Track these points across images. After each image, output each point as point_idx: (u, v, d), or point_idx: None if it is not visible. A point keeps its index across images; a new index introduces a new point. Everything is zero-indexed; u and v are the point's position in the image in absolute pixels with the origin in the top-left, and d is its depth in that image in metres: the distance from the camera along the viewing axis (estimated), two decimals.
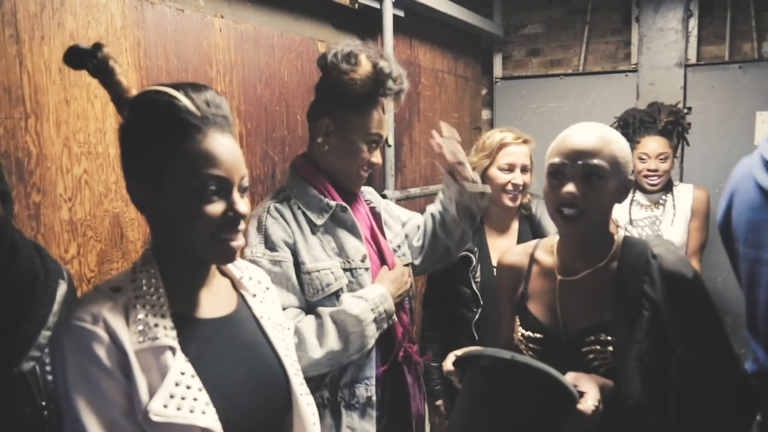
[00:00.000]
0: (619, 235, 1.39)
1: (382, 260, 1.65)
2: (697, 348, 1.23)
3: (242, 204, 0.97)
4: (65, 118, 1.38)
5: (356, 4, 2.36)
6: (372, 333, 1.50)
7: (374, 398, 1.55)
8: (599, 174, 1.26)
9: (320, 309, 1.50)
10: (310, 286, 1.51)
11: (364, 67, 1.50)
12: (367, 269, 1.57)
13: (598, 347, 1.30)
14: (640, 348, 1.24)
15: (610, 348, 1.29)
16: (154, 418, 0.89)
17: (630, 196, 2.05)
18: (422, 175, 3.04)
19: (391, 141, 2.55)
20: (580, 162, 1.27)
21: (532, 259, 1.48)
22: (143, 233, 1.55)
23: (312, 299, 1.51)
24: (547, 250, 1.47)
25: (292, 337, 1.21)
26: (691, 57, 3.45)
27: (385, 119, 1.60)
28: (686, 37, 3.43)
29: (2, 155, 1.26)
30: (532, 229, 2.17)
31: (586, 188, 1.27)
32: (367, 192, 1.77)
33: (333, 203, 1.56)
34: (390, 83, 1.53)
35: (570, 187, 1.27)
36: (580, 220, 1.28)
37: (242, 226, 0.99)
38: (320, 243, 1.54)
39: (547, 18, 3.79)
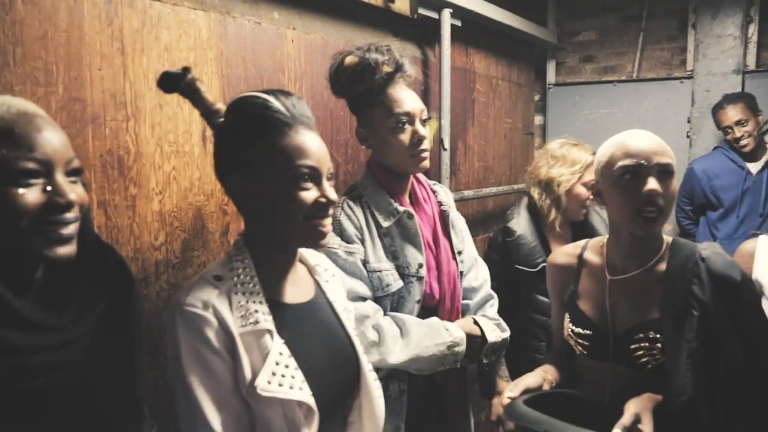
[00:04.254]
0: (668, 237, 1.44)
1: (438, 268, 1.70)
2: (744, 348, 1.27)
3: (332, 191, 1.11)
4: (158, 120, 1.55)
5: (416, 15, 2.48)
6: (437, 367, 1.58)
7: (405, 397, 1.63)
8: (670, 171, 1.32)
9: (408, 320, 1.57)
10: (372, 283, 1.59)
11: (350, 66, 1.56)
12: (420, 279, 1.63)
13: (647, 344, 1.35)
14: (691, 346, 1.28)
15: (659, 345, 1.33)
16: (262, 393, 1.00)
17: None
18: (475, 178, 3.14)
19: (447, 144, 2.62)
20: (654, 161, 1.31)
21: (581, 260, 1.53)
22: (221, 225, 1.72)
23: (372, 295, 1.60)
24: (595, 250, 1.52)
25: (353, 319, 1.33)
26: (750, 63, 3.42)
27: (409, 95, 1.62)
28: (745, 43, 3.40)
29: (107, 152, 1.44)
30: (583, 234, 2.22)
31: (663, 186, 1.31)
32: (442, 192, 1.83)
33: (401, 209, 1.62)
34: (383, 68, 1.57)
35: (654, 184, 1.30)
36: (659, 218, 1.32)
37: (332, 211, 1.12)
38: (382, 245, 1.61)
39: (601, 24, 3.81)
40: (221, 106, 1.16)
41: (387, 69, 1.58)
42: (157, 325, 1.57)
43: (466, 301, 1.80)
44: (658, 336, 1.34)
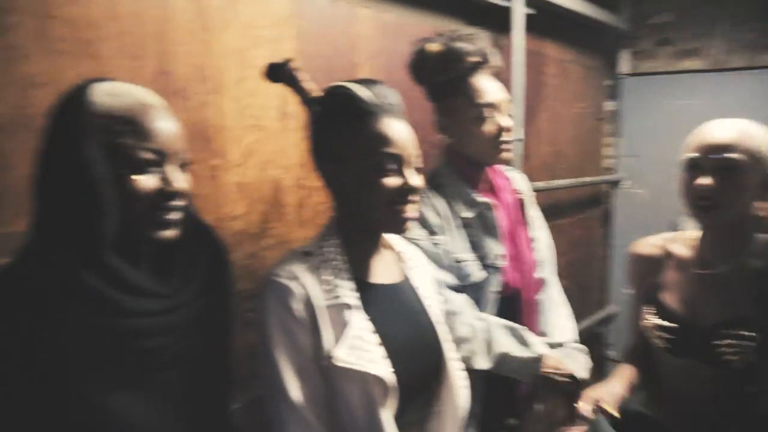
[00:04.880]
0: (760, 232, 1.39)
1: (518, 257, 1.69)
2: None
3: (416, 178, 1.14)
4: (240, 94, 1.61)
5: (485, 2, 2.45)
6: (516, 377, 1.56)
7: (481, 383, 1.60)
8: (734, 167, 1.28)
9: (497, 327, 1.54)
10: (455, 272, 1.59)
11: (434, 54, 1.55)
12: (498, 269, 1.62)
13: (734, 341, 1.31)
14: None
15: (748, 343, 1.29)
16: (338, 363, 1.04)
17: None
18: (546, 163, 3.09)
19: (521, 134, 2.59)
20: (714, 155, 1.29)
21: (667, 252, 1.51)
22: (297, 198, 1.76)
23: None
24: (685, 243, 1.49)
25: (441, 304, 1.35)
26: None
27: (492, 85, 1.60)
28: None
29: (192, 124, 1.50)
30: None
31: (721, 182, 1.28)
32: (518, 179, 1.82)
33: (481, 200, 1.62)
34: (469, 58, 1.55)
35: (703, 180, 1.29)
36: (712, 211, 1.30)
37: (416, 198, 1.15)
38: (461, 235, 1.61)
39: (678, 8, 3.57)
40: (319, 95, 1.21)
41: (473, 59, 1.57)
42: (237, 293, 1.63)
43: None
44: (750, 334, 1.30)
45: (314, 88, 1.22)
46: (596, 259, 3.80)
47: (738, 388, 1.29)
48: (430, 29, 2.21)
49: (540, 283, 1.79)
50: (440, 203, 1.61)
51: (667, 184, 3.46)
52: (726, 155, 1.28)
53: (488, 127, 1.59)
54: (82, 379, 0.89)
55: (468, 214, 1.61)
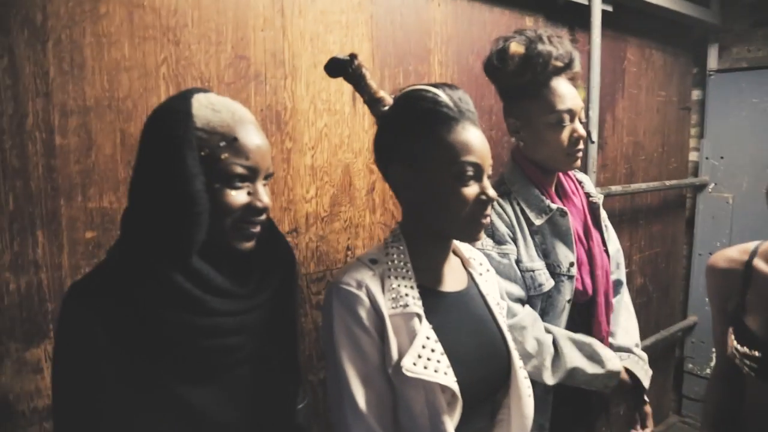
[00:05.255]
0: None
1: (591, 262, 1.63)
2: None
3: (492, 189, 1.11)
4: (313, 79, 1.64)
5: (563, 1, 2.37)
6: (584, 387, 1.54)
7: (551, 396, 1.59)
8: None
9: (565, 341, 1.53)
10: (524, 282, 1.55)
11: (515, 55, 1.49)
12: (570, 278, 1.57)
13: None
14: None
15: None
16: (407, 373, 1.03)
17: None
18: (624, 153, 2.98)
19: (594, 137, 2.50)
20: None
21: (750, 267, 1.39)
22: (367, 183, 1.78)
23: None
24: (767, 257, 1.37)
25: (506, 314, 1.33)
26: None
27: (571, 91, 1.55)
28: None
29: (267, 107, 1.55)
30: None
31: None
32: (587, 182, 1.77)
33: (554, 206, 1.56)
34: (554, 63, 1.50)
35: None
36: None
37: (490, 209, 1.13)
38: (534, 243, 1.56)
39: None
40: (384, 95, 1.19)
41: (557, 64, 1.51)
42: (305, 274, 1.68)
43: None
44: None
45: (378, 88, 1.19)
46: (678, 266, 3.61)
47: None
48: (505, 19, 2.19)
49: (614, 286, 1.74)
50: (509, 210, 1.56)
51: (756, 188, 3.34)
52: None
53: (564, 134, 1.53)
54: (170, 375, 0.95)
55: (539, 221, 1.56)
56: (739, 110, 3.37)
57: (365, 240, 1.79)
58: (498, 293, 1.32)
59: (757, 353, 1.30)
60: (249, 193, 0.98)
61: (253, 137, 0.98)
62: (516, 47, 1.49)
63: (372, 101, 1.19)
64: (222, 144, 0.95)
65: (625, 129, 2.96)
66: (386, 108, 1.18)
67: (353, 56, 1.19)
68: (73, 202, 1.27)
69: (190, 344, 0.96)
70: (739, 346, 1.34)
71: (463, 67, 2.05)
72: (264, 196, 0.99)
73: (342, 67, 1.19)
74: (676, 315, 3.61)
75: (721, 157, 3.45)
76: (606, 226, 1.75)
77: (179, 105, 0.96)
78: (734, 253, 1.45)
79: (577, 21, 2.52)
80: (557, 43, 1.51)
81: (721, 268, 1.45)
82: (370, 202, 1.79)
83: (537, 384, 1.53)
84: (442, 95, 1.10)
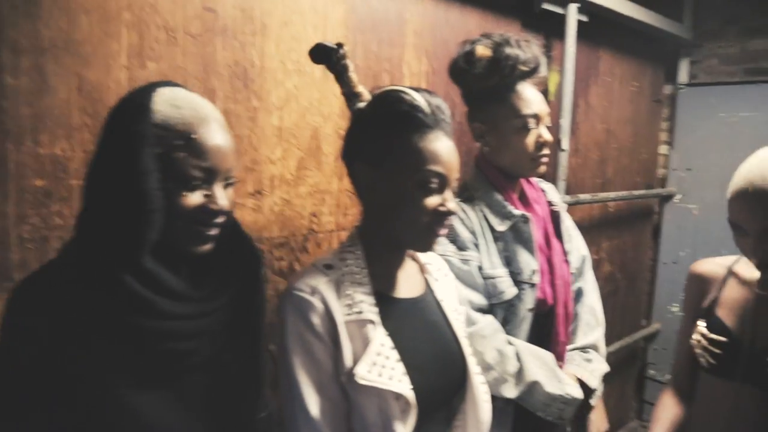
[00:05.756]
0: None
1: (551, 272, 1.62)
2: None
3: (453, 202, 1.10)
4: (283, 38, 1.59)
5: (538, 9, 2.34)
6: (537, 411, 1.51)
7: (512, 408, 1.56)
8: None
9: (527, 354, 1.51)
10: (486, 290, 1.52)
11: (482, 58, 1.46)
12: (533, 286, 1.55)
13: None
14: None
15: None
16: (360, 381, 1.02)
17: None
18: (597, 140, 2.99)
19: (565, 145, 2.48)
20: (757, 220, 1.16)
21: (730, 271, 1.42)
22: (336, 149, 1.75)
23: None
24: (750, 265, 1.35)
25: (464, 321, 1.31)
26: None
27: (535, 96, 1.53)
28: None
29: (234, 63, 1.50)
30: None
31: None
32: (550, 191, 1.75)
33: (517, 212, 1.54)
34: (518, 66, 1.48)
35: (754, 246, 1.17)
36: None
37: (448, 222, 1.11)
38: (497, 249, 1.54)
39: (743, 16, 3.24)
40: (363, 90, 1.16)
41: (524, 68, 1.49)
42: (267, 238, 1.64)
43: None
44: None
45: (358, 83, 1.16)
46: (643, 274, 3.65)
47: None
48: (483, 25, 2.15)
49: (574, 296, 1.73)
50: (473, 216, 1.54)
51: (720, 200, 3.24)
52: None
53: (529, 139, 1.52)
54: (114, 378, 0.91)
55: (502, 227, 1.54)
56: (707, 124, 3.40)
57: (332, 207, 1.76)
58: (456, 299, 1.31)
59: (724, 339, 1.32)
60: (206, 195, 0.94)
61: (213, 136, 0.94)
62: (483, 50, 1.47)
63: (350, 94, 1.17)
64: (178, 142, 0.90)
65: (598, 117, 2.97)
66: (363, 104, 1.15)
67: (340, 45, 1.17)
68: (23, 147, 1.22)
69: (139, 348, 0.92)
70: (707, 332, 1.36)
71: (438, 58, 2.02)
72: (221, 198, 0.95)
73: (327, 55, 1.18)
74: (640, 322, 3.67)
75: (688, 169, 3.50)
76: (570, 234, 1.74)
77: (139, 98, 0.92)
78: (719, 260, 1.47)
79: (552, 30, 2.50)
80: (525, 47, 1.49)
81: (703, 273, 1.47)
82: (338, 168, 1.75)
83: (499, 398, 1.51)
84: (420, 100, 1.07)
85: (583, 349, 1.73)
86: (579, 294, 1.76)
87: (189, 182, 0.92)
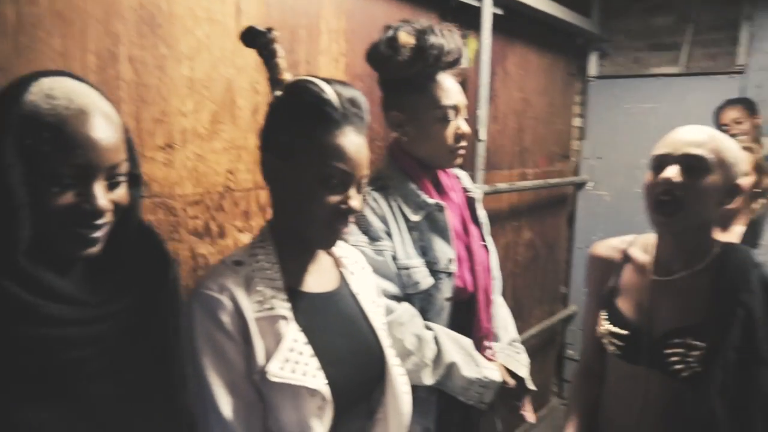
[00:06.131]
0: (719, 239, 1.35)
1: (471, 258, 1.60)
2: None
3: (357, 200, 1.08)
4: None
5: (455, 1, 2.45)
6: (459, 396, 1.50)
7: (435, 397, 1.55)
8: (702, 165, 1.23)
9: (445, 339, 1.49)
10: (400, 280, 1.50)
11: (406, 45, 1.45)
12: (449, 275, 1.53)
13: (683, 350, 1.26)
14: (727, 358, 1.20)
15: (696, 353, 1.25)
16: (272, 379, 0.99)
17: None
18: (514, 109, 3.10)
19: (482, 135, 2.54)
20: (682, 152, 1.25)
21: (626, 255, 1.45)
22: (252, 103, 1.67)
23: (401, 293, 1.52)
24: (643, 247, 1.44)
25: (383, 313, 1.30)
26: None
27: (456, 88, 1.53)
28: None
29: (139, 6, 1.43)
30: (752, 230, 2.26)
31: (687, 179, 1.24)
32: (465, 178, 1.75)
33: (431, 201, 1.52)
34: (443, 56, 1.47)
35: (668, 172, 1.24)
36: (678, 213, 1.24)
37: (352, 219, 1.10)
38: (411, 239, 1.52)
39: (647, 15, 3.66)
40: (287, 78, 1.14)
41: (448, 59, 1.50)
42: (180, 195, 1.51)
43: None
44: (696, 343, 1.25)
45: (284, 71, 1.14)
46: (560, 259, 3.86)
47: (689, 399, 1.25)
48: (401, 15, 2.20)
49: (493, 283, 1.72)
50: (385, 205, 1.50)
51: (629, 187, 3.68)
52: (693, 152, 1.24)
53: (448, 131, 1.52)
54: (2, 392, 0.82)
55: (417, 217, 1.51)
56: (615, 115, 3.73)
57: (249, 164, 1.66)
58: (374, 291, 1.27)
59: (625, 332, 1.35)
60: (79, 195, 0.84)
61: (88, 130, 0.84)
62: (406, 37, 1.46)
63: (274, 81, 1.14)
64: (45, 135, 0.81)
65: (515, 85, 3.08)
66: (279, 93, 1.12)
67: (269, 30, 1.15)
68: None
69: (27, 357, 0.82)
70: (609, 326, 1.38)
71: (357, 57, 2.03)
72: (98, 198, 0.85)
73: (257, 38, 1.15)
74: (558, 304, 3.85)
75: (599, 158, 3.79)
76: (482, 223, 1.73)
77: (10, 89, 0.84)
78: (615, 242, 1.51)
79: (469, 22, 2.59)
80: (448, 37, 1.50)
81: (601, 255, 1.50)
82: (255, 124, 1.66)
83: (424, 388, 1.49)
84: (329, 93, 1.05)
85: (509, 344, 1.74)
86: (497, 282, 1.77)
87: (58, 179, 0.83)
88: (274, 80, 1.14)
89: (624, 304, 1.39)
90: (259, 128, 1.13)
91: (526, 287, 3.44)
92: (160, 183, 1.48)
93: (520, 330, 2.11)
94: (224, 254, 1.50)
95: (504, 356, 1.65)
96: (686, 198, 1.23)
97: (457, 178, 1.70)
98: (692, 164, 1.24)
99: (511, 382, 1.60)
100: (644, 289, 1.36)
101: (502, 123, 3.01)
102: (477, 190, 1.74)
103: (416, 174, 1.54)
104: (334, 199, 1.05)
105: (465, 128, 1.54)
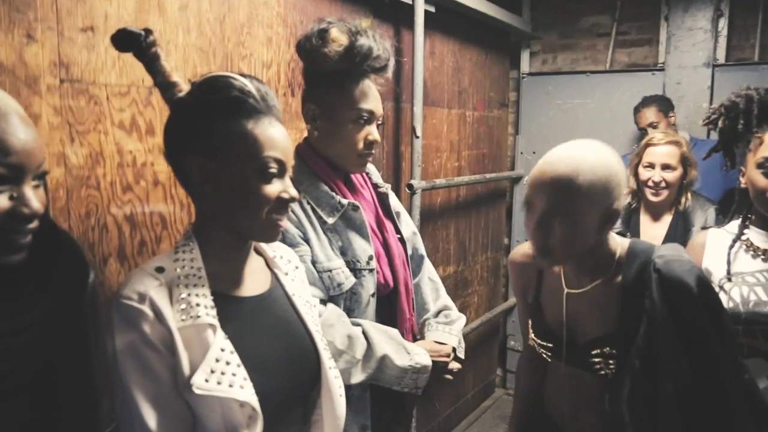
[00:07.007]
0: (623, 245, 1.35)
1: (388, 253, 1.61)
2: (699, 365, 1.19)
3: (293, 189, 1.07)
4: None
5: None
6: (393, 386, 1.51)
7: (368, 394, 1.56)
8: (563, 216, 1.21)
9: (373, 332, 1.49)
10: (322, 283, 1.48)
11: (337, 41, 1.44)
12: (371, 271, 1.53)
13: (602, 359, 1.29)
14: (633, 365, 1.22)
15: (612, 361, 1.28)
16: (197, 391, 0.95)
17: (735, 232, 1.66)
18: (447, 92, 3.09)
19: (419, 132, 2.56)
20: (541, 204, 1.23)
21: None
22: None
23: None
24: None
25: (317, 314, 1.29)
26: (720, 57, 3.45)
27: (375, 95, 1.53)
28: (715, 36, 3.45)
29: None
30: (683, 222, 2.36)
31: (548, 231, 1.22)
32: (373, 172, 1.74)
33: (345, 202, 1.52)
34: (370, 59, 1.47)
35: (533, 229, 1.25)
36: (550, 255, 1.25)
37: (290, 208, 1.09)
38: (329, 241, 1.50)
39: (574, 15, 3.84)
40: (178, 79, 1.08)
41: (375, 64, 1.48)
42: (105, 85, 1.35)
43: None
44: (613, 351, 1.28)
45: (171, 71, 1.08)
46: (500, 253, 3.91)
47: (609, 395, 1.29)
48: (335, 12, 2.14)
49: (411, 278, 1.73)
50: (298, 210, 1.48)
51: None
52: (550, 208, 1.22)
53: (360, 135, 1.51)
54: None
55: (332, 218, 1.50)
56: (547, 110, 3.83)
57: (178, 62, 1.53)
58: (308, 291, 1.27)
59: (549, 344, 1.38)
60: (12, 197, 0.81)
61: (14, 130, 0.81)
62: (338, 34, 1.45)
63: (165, 84, 1.07)
64: None
65: (448, 78, 3.09)
66: (182, 94, 1.06)
67: (148, 31, 1.06)
68: None
69: None
70: (536, 339, 1.41)
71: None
72: (32, 200, 0.83)
73: (133, 41, 1.06)
74: (499, 297, 3.89)
75: (534, 152, 3.86)
76: (398, 212, 1.75)
77: None
78: (530, 248, 1.47)
79: (402, 20, 2.60)
80: (380, 42, 1.49)
81: (519, 263, 1.50)
82: (185, 19, 1.54)
83: (357, 385, 1.49)
84: (250, 86, 1.04)
85: (437, 313, 1.76)
86: (416, 268, 1.79)
87: None
88: (165, 83, 1.07)
89: (548, 313, 1.41)
90: (167, 135, 1.06)
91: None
92: (81, 67, 1.37)
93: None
94: (153, 154, 1.37)
95: (433, 331, 1.68)
96: (552, 248, 1.23)
97: (367, 174, 1.70)
98: (550, 218, 1.21)
99: (444, 355, 1.62)
100: (560, 302, 1.38)
101: (438, 97, 3.01)
102: (386, 184, 1.74)
103: (327, 175, 1.53)
104: (274, 189, 1.03)
105: (376, 136, 1.53)
